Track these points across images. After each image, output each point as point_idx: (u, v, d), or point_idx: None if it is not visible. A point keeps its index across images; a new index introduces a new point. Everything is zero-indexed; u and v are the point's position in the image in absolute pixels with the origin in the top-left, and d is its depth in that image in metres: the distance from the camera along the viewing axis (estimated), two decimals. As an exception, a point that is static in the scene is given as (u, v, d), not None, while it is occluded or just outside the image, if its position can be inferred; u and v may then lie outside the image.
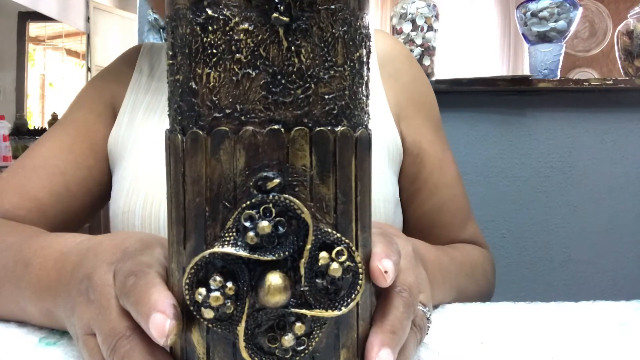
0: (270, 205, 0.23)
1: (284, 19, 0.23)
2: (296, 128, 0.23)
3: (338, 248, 0.24)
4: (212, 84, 0.23)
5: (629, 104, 1.45)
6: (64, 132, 0.63)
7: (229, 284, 0.23)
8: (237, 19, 0.23)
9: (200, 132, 0.23)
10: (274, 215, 0.23)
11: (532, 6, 1.40)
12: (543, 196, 1.48)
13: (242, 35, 0.23)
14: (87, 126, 0.64)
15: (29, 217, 0.56)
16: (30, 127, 3.11)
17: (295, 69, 0.23)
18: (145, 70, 0.69)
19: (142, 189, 0.58)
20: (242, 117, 0.23)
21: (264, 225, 0.22)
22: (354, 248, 0.24)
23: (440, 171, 0.65)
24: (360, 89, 0.26)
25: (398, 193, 0.64)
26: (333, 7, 0.24)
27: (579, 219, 1.47)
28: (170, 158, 0.25)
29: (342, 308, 0.24)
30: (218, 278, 0.23)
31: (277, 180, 0.23)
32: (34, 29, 3.52)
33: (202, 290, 0.23)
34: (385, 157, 0.61)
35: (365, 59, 0.26)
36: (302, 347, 0.24)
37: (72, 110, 0.66)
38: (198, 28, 0.23)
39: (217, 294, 0.23)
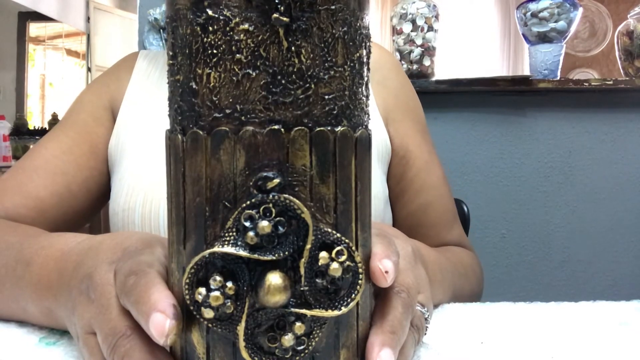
0: (270, 205, 0.23)
1: (284, 19, 0.23)
2: (296, 128, 0.23)
3: (338, 248, 0.24)
4: (212, 84, 0.23)
5: (629, 104, 1.45)
6: (64, 134, 0.63)
7: (229, 284, 0.23)
8: (237, 19, 0.23)
9: (201, 132, 0.23)
10: (274, 215, 0.23)
11: (532, 6, 1.40)
12: (543, 196, 1.48)
13: (242, 35, 0.23)
14: (87, 129, 0.64)
15: (30, 217, 0.56)
16: (30, 127, 3.11)
17: (295, 69, 0.23)
18: (143, 75, 0.70)
19: (142, 187, 0.58)
20: (242, 117, 0.23)
21: (264, 225, 0.22)
22: (354, 248, 0.24)
23: (426, 172, 0.66)
24: (360, 89, 0.26)
25: (387, 192, 0.65)
26: (333, 7, 0.24)
27: (579, 219, 1.47)
28: (171, 158, 0.25)
29: (342, 308, 0.24)
30: (218, 278, 0.23)
31: (277, 180, 0.23)
32: (34, 29, 3.52)
33: (202, 290, 0.23)
34: (375, 156, 0.63)
35: (365, 59, 0.26)
36: (302, 347, 0.24)
37: (72, 113, 0.66)
38: (198, 28, 0.23)
39: (217, 293, 0.23)
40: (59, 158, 0.61)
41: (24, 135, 2.86)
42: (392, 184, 0.66)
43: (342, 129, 0.24)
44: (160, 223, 0.57)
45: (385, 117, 0.66)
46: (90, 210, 0.64)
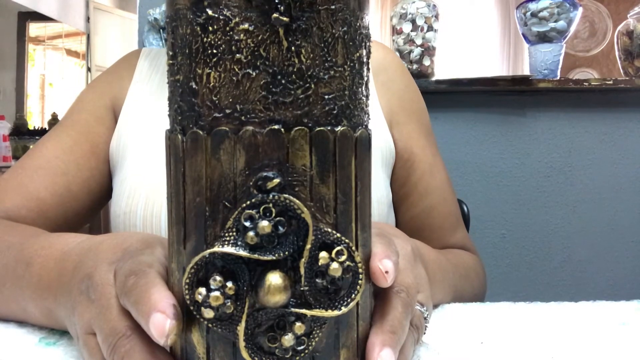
0: (270, 205, 0.23)
1: (284, 19, 0.23)
2: (296, 128, 0.23)
3: (338, 248, 0.24)
4: (212, 84, 0.23)
5: (629, 104, 1.45)
6: (65, 133, 0.63)
7: (229, 284, 0.23)
8: (237, 19, 0.23)
9: (201, 132, 0.23)
10: (274, 215, 0.23)
11: (532, 6, 1.40)
12: (543, 196, 1.48)
13: (242, 35, 0.23)
14: (88, 128, 0.64)
15: (31, 217, 0.56)
16: (30, 127, 3.11)
17: (295, 69, 0.23)
18: (145, 73, 0.69)
19: (144, 190, 0.58)
20: (242, 117, 0.23)
21: (264, 225, 0.22)
22: (354, 248, 0.24)
23: (430, 175, 0.66)
24: (360, 89, 0.26)
25: (391, 196, 0.65)
26: (333, 7, 0.24)
27: (579, 219, 1.47)
28: (171, 158, 0.25)
29: (342, 308, 0.24)
30: (218, 278, 0.23)
31: (277, 180, 0.23)
32: (34, 29, 3.52)
33: (202, 290, 0.23)
34: (379, 160, 0.63)
35: (365, 59, 0.26)
36: (302, 347, 0.24)
37: (73, 113, 0.66)
38: (198, 28, 0.23)
39: (217, 293, 0.23)
40: (60, 158, 0.60)
41: (24, 135, 2.85)
42: (396, 187, 0.66)
43: (342, 128, 0.24)
44: (161, 226, 0.57)
45: (390, 120, 0.66)
46: (90, 210, 0.64)
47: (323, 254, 0.24)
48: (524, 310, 0.47)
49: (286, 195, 0.23)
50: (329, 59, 0.24)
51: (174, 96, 0.25)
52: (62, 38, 3.72)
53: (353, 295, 0.24)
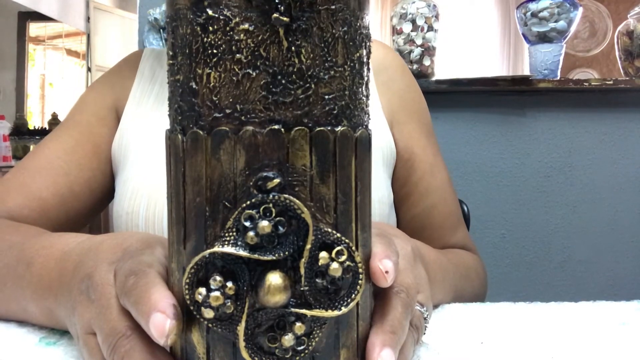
0: (270, 205, 0.23)
1: (284, 19, 0.23)
2: (296, 128, 0.23)
3: (338, 248, 0.24)
4: (212, 84, 0.23)
5: (629, 104, 1.45)
6: (67, 134, 0.63)
7: (229, 284, 0.23)
8: (237, 19, 0.23)
9: (201, 132, 0.23)
10: (274, 215, 0.23)
11: (532, 6, 1.40)
12: (543, 196, 1.48)
13: (242, 35, 0.23)
14: (90, 129, 0.64)
15: (32, 217, 0.56)
16: (30, 127, 3.11)
17: (295, 69, 0.23)
18: (148, 74, 0.69)
19: (146, 190, 0.58)
20: (242, 117, 0.23)
21: (264, 225, 0.22)
22: (354, 248, 0.24)
23: (431, 175, 0.66)
24: (360, 89, 0.26)
25: (392, 196, 0.65)
26: (333, 7, 0.24)
27: (579, 219, 1.47)
28: (171, 158, 0.25)
29: (342, 308, 0.24)
30: (218, 278, 0.23)
31: (277, 180, 0.23)
32: (34, 29, 3.52)
33: (202, 290, 0.23)
34: (380, 160, 0.63)
35: (365, 59, 0.26)
36: (302, 347, 0.24)
37: (75, 113, 0.66)
38: (198, 28, 0.23)
39: (217, 293, 0.23)
40: (62, 159, 0.60)
41: (24, 135, 2.86)
42: (397, 187, 0.66)
43: (342, 129, 0.24)
44: (164, 227, 0.57)
45: (390, 120, 0.66)
46: (92, 210, 0.64)
47: (323, 254, 0.24)
48: (524, 310, 0.47)
49: (286, 195, 0.23)
50: (329, 59, 0.24)
51: (174, 96, 0.25)
52: (62, 38, 3.72)
53: (353, 295, 0.24)
